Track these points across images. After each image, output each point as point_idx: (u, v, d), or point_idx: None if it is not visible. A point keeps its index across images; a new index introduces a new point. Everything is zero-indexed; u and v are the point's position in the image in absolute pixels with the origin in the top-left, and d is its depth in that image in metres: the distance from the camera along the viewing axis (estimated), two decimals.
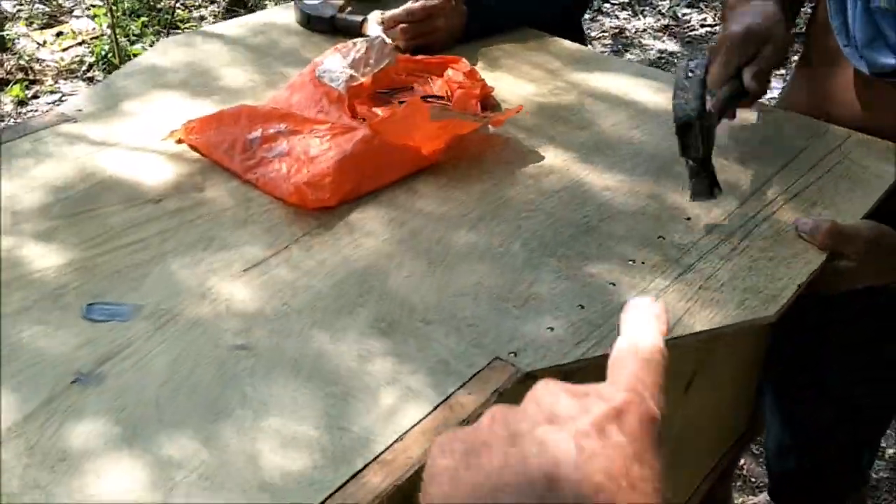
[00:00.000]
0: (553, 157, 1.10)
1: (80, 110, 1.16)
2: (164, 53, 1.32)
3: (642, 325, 0.39)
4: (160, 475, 0.66)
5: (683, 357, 1.09)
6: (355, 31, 1.35)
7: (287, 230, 0.95)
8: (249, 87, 1.24)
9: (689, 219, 0.99)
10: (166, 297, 0.84)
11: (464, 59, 1.24)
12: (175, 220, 0.96)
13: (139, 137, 1.10)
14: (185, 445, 0.68)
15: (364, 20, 1.36)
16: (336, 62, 1.16)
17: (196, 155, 1.08)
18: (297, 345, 0.79)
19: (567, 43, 1.40)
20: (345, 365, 0.77)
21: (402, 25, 1.30)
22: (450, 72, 1.22)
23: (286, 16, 1.44)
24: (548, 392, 0.36)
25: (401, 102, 1.17)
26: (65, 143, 1.09)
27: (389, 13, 1.32)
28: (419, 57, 1.26)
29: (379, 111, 1.15)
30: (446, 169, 1.06)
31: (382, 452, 0.68)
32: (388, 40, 1.19)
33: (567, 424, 0.33)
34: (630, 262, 0.91)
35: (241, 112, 1.09)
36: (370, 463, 0.67)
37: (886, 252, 0.96)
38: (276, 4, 3.93)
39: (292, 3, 1.45)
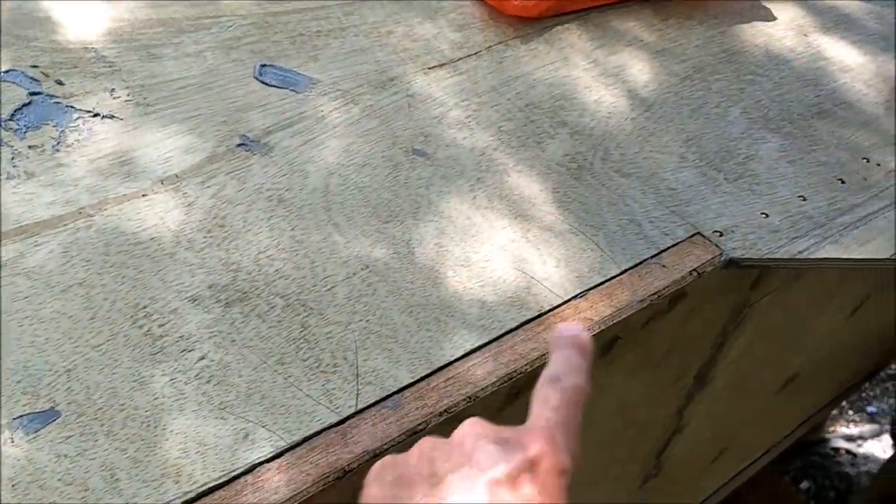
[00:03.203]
0: (789, 21, 0.95)
1: None
2: None
3: (570, 361, 0.39)
4: (323, 265, 0.60)
5: (863, 279, 0.98)
6: None
7: (480, 34, 0.85)
8: None
9: None
10: (344, 77, 0.76)
11: None
12: None
13: None
14: (353, 242, 0.62)
15: None
16: None
17: None
18: (478, 164, 0.70)
19: None
20: (527, 199, 0.68)
21: None
22: None
23: None
24: (472, 435, 0.36)
25: None
26: None
27: None
28: None
29: None
30: (666, 2, 0.92)
31: (559, 306, 0.60)
32: None
33: (485, 472, 0.35)
34: (864, 161, 0.78)
35: None
36: (545, 314, 0.59)
37: None
38: None
39: None
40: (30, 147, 0.63)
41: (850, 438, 2.19)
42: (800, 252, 0.67)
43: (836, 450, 2.14)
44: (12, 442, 0.47)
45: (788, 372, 1.04)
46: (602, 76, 0.82)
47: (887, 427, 2.16)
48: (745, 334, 0.81)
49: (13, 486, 0.46)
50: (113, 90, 0.69)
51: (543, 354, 0.56)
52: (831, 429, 2.21)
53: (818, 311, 0.96)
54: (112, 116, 0.67)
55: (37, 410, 0.49)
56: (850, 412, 2.28)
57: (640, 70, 0.84)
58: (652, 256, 0.65)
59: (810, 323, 0.97)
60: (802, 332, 0.97)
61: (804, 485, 2.04)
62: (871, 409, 2.30)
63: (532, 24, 0.87)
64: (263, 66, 0.75)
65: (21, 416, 0.49)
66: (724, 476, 1.23)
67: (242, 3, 0.81)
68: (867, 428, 2.24)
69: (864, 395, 2.28)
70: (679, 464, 0.99)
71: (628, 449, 0.85)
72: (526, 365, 0.56)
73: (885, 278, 1.03)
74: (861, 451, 2.13)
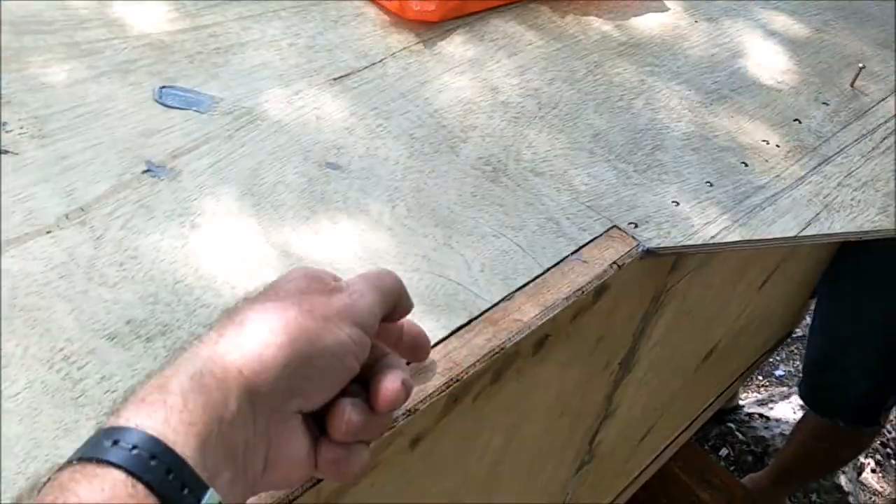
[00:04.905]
0: (681, 11, 0.98)
1: None
2: None
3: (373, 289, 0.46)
4: (245, 289, 0.58)
5: (771, 254, 1.02)
6: None
7: (383, 41, 0.84)
8: None
9: (827, 104, 0.88)
10: (248, 93, 0.74)
11: None
12: (256, 6, 0.84)
13: None
14: (273, 263, 0.60)
15: None
16: None
17: None
18: (394, 174, 0.70)
19: None
20: (446, 205, 0.68)
21: None
22: None
23: None
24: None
25: None
26: None
27: None
28: None
29: None
30: (563, 0, 0.94)
31: (489, 310, 0.60)
32: None
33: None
34: (764, 143, 0.81)
35: None
36: (475, 319, 0.60)
37: None
38: None
39: None
40: None
41: (761, 403, 2.28)
42: (712, 237, 0.69)
43: (750, 415, 2.23)
44: None
45: (709, 345, 1.08)
46: (507, 76, 0.83)
47: (795, 389, 2.26)
48: (665, 316, 0.83)
49: None
50: (5, 124, 0.66)
51: (478, 361, 0.57)
52: (743, 395, 2.30)
53: (732, 287, 0.99)
54: (6, 151, 0.64)
55: None
56: (760, 377, 2.38)
57: (543, 68, 0.85)
58: (572, 253, 0.66)
59: (726, 298, 1.00)
60: (719, 307, 1.01)
61: (723, 452, 2.12)
62: (778, 372, 2.40)
63: (433, 28, 0.87)
64: (163, 87, 0.73)
65: None
66: (651, 453, 1.26)
67: (135, 23, 0.78)
68: (777, 391, 2.34)
69: (771, 359, 2.39)
70: (611, 447, 1.01)
71: (564, 438, 0.87)
72: (461, 372, 0.56)
73: (787, 253, 1.08)
74: (773, 413, 2.23)
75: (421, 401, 0.54)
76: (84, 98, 0.70)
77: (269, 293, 0.44)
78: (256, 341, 0.40)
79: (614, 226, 0.69)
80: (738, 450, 2.10)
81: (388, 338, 0.50)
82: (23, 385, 0.50)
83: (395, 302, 0.48)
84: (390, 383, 0.45)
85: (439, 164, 0.72)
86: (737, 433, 2.12)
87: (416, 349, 0.52)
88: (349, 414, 0.43)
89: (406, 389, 0.45)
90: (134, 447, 0.34)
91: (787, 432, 2.10)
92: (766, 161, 0.79)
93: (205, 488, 0.35)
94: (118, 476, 0.33)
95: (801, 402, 1.75)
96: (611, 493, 1.21)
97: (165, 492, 0.34)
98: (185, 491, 0.34)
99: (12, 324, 0.53)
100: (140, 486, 0.33)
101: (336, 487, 0.51)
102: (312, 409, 0.42)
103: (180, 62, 0.76)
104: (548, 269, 0.64)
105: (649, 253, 0.67)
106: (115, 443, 0.34)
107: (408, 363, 0.52)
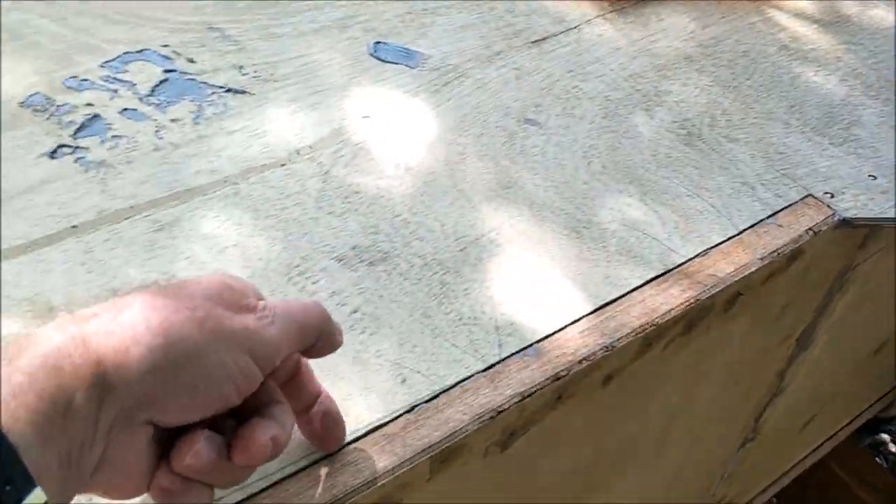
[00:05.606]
0: None
1: None
2: None
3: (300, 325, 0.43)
4: (453, 227, 0.63)
5: None
6: None
7: (577, 9, 0.87)
8: None
9: None
10: (452, 52, 0.79)
11: None
12: None
13: None
14: (478, 206, 0.64)
15: None
16: None
17: None
18: (590, 132, 0.73)
19: None
20: (640, 164, 0.71)
21: None
22: None
23: None
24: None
25: None
26: None
27: None
28: None
29: None
30: None
31: (684, 264, 0.63)
32: None
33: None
34: None
35: None
36: (670, 271, 0.62)
37: None
38: None
39: None
40: (171, 120, 0.67)
41: None
42: None
43: None
44: None
45: (882, 337, 1.05)
46: (700, 47, 0.84)
47: None
48: (847, 296, 0.82)
49: None
50: (241, 67, 0.73)
51: (673, 308, 0.59)
52: None
53: None
54: (244, 91, 0.71)
55: None
56: None
57: (736, 41, 0.86)
58: (767, 217, 0.67)
59: None
60: None
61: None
62: None
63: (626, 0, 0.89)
64: (377, 43, 0.78)
65: None
66: (811, 444, 1.24)
67: None
68: None
69: None
70: (774, 429, 1.01)
71: (734, 409, 0.88)
72: (657, 318, 0.58)
73: None
74: None
75: (617, 340, 0.57)
76: (308, 49, 0.76)
77: (169, 288, 0.39)
78: (129, 334, 0.35)
79: (810, 194, 0.69)
80: (891, 461, 2.01)
81: (296, 400, 0.45)
82: (266, 293, 0.56)
83: (315, 338, 0.44)
84: (259, 435, 0.38)
85: (634, 125, 0.74)
86: (890, 445, 2.03)
87: (325, 432, 0.46)
88: (200, 447, 0.37)
89: (275, 448, 0.39)
90: None
91: None
92: None
93: (31, 485, 0.30)
94: None
95: None
96: (767, 478, 1.19)
97: None
98: (8, 487, 0.29)
99: (255, 240, 0.59)
100: None
101: (537, 408, 0.55)
102: (167, 425, 0.37)
103: (392, 21, 0.81)
104: (743, 231, 0.66)
105: (845, 223, 0.68)
106: None
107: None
